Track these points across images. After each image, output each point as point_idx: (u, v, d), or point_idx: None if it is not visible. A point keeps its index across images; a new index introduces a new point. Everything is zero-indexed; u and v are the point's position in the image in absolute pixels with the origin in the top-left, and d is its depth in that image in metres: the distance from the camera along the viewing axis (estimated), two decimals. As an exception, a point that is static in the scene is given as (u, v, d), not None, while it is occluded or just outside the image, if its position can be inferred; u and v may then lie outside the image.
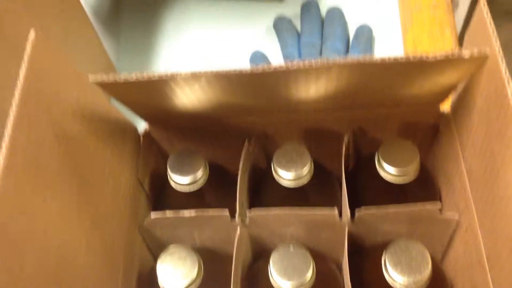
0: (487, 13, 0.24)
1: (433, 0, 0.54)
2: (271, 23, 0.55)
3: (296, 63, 0.25)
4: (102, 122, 0.30)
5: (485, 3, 0.24)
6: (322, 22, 0.54)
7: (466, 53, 0.24)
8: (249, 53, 0.53)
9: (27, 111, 0.24)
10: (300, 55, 0.52)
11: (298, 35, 0.54)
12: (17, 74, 0.25)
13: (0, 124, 0.24)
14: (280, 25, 0.54)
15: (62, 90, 0.27)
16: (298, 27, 0.54)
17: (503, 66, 0.23)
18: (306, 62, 0.25)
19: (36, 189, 0.24)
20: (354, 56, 0.26)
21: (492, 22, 0.24)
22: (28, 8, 0.37)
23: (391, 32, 0.53)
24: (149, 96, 0.29)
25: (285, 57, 0.52)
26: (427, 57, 0.24)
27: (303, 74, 0.26)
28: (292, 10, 0.55)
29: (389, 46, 0.52)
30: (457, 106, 0.30)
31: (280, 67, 0.25)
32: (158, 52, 0.54)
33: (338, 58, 0.25)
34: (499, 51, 0.23)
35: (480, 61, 0.25)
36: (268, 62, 0.52)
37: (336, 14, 0.54)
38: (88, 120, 0.28)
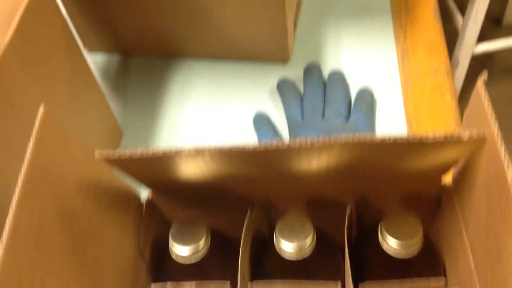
0: (485, 96, 0.24)
1: (433, 65, 0.55)
2: (274, 85, 0.56)
3: (298, 141, 0.26)
4: (105, 194, 0.30)
5: (483, 85, 0.25)
6: (325, 85, 0.55)
7: (465, 134, 0.25)
8: (253, 113, 0.54)
9: (32, 189, 0.24)
10: (303, 117, 0.53)
11: (301, 97, 0.55)
12: (26, 145, 0.26)
13: (6, 199, 0.25)
14: (284, 87, 0.55)
15: (68, 165, 0.27)
16: (301, 89, 0.55)
17: (502, 149, 0.23)
18: (308, 140, 0.26)
19: (36, 267, 0.24)
20: (355, 134, 0.26)
21: (490, 104, 0.24)
22: (37, 73, 0.38)
23: (393, 95, 0.54)
24: (153, 168, 0.29)
25: (288, 118, 0.53)
26: (426, 138, 0.25)
27: (305, 151, 0.27)
28: (295, 73, 0.57)
29: (390, 110, 0.53)
30: (459, 181, 0.30)
31: (282, 145, 0.26)
32: (164, 114, 0.55)
33: (340, 137, 0.26)
34: (498, 135, 0.24)
35: (480, 142, 0.25)
36: (271, 123, 0.53)
37: (338, 77, 0.55)
38: (91, 194, 0.29)
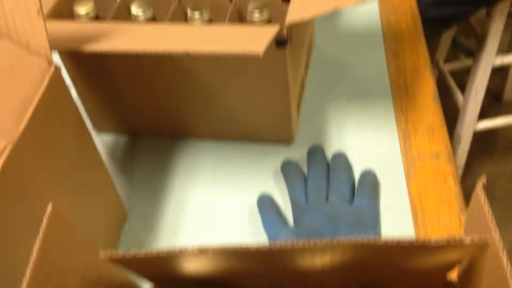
0: (484, 201, 0.25)
1: (434, 149, 0.56)
2: (278, 165, 0.57)
3: (301, 242, 0.26)
4: (108, 289, 0.30)
5: (482, 190, 0.25)
6: (328, 167, 0.56)
7: (467, 239, 0.25)
8: (257, 193, 0.54)
9: (35, 288, 0.25)
10: (306, 199, 0.53)
11: (305, 179, 0.55)
12: (32, 232, 0.26)
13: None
14: (287, 169, 0.56)
15: (72, 262, 0.27)
16: (305, 170, 0.56)
17: (504, 257, 0.23)
18: (311, 241, 0.26)
19: None
20: (358, 236, 0.27)
21: (490, 210, 0.25)
22: (47, 160, 0.39)
23: (396, 177, 0.55)
24: (157, 266, 0.29)
25: (292, 201, 0.53)
26: (429, 242, 0.25)
27: (308, 251, 0.27)
28: (299, 153, 0.58)
29: (393, 193, 0.53)
30: (464, 280, 0.30)
31: (286, 245, 0.26)
32: (169, 195, 0.55)
33: (343, 239, 0.26)
34: (499, 242, 0.24)
35: (482, 247, 0.25)
36: (275, 205, 0.53)
37: (341, 159, 0.56)
38: (94, 289, 0.28)
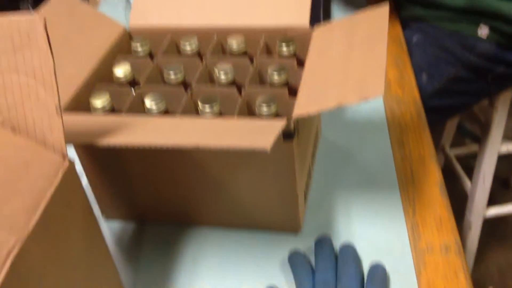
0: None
1: (444, 242, 0.56)
2: (285, 255, 0.56)
3: None
4: None
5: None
6: (336, 258, 0.55)
7: None
8: (264, 285, 0.53)
9: None
10: (314, 293, 0.52)
11: (313, 270, 0.54)
12: None
13: None
14: (295, 260, 0.55)
15: None
16: (313, 259, 0.55)
17: None
18: None
19: None
20: None
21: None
22: (55, 256, 0.39)
23: (405, 271, 0.54)
24: None
25: (299, 294, 0.52)
26: None
27: None
28: (306, 243, 0.57)
29: (403, 287, 0.52)
30: None
31: None
32: (175, 285, 0.54)
33: None
34: None
35: None
36: (282, 299, 0.52)
37: (350, 252, 0.55)
38: None
